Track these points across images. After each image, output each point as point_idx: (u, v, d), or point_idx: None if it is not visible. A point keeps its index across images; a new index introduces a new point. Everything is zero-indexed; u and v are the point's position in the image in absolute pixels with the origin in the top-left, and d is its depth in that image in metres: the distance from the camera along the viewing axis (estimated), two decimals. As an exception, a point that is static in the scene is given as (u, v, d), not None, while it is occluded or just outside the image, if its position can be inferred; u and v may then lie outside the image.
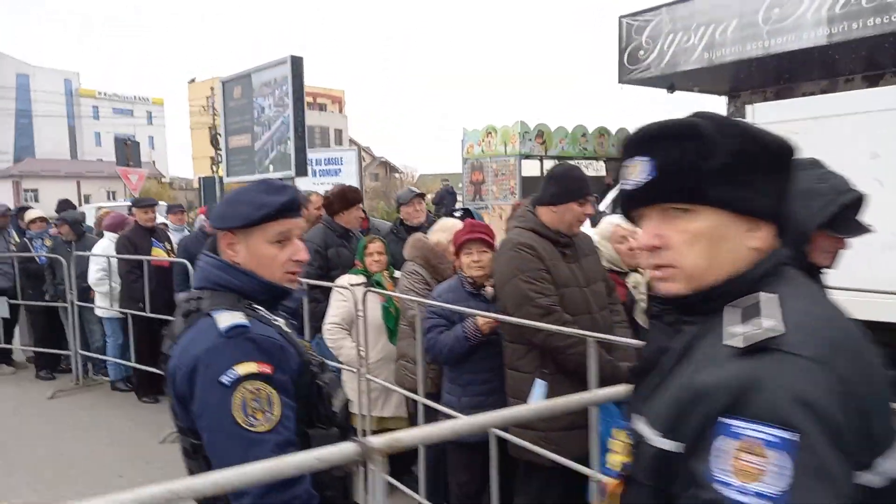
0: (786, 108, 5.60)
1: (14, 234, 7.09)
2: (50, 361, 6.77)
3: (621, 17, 12.59)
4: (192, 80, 36.15)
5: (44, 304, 6.48)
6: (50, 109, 54.92)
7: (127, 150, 13.22)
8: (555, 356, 2.47)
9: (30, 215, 6.62)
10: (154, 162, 52.35)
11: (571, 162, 17.73)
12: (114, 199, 45.10)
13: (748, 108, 5.08)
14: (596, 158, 16.56)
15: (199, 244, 5.22)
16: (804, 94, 12.71)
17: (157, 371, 5.65)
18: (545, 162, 16.55)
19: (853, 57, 9.64)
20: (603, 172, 17.57)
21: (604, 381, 2.38)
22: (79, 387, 6.28)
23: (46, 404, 5.89)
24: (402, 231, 4.38)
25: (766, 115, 4.77)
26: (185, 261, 5.03)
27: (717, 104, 19.21)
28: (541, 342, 2.47)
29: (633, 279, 3.00)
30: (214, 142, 29.41)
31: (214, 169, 30.20)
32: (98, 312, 6.06)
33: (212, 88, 37.78)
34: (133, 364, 5.66)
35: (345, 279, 3.72)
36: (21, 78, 56.07)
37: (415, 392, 3.09)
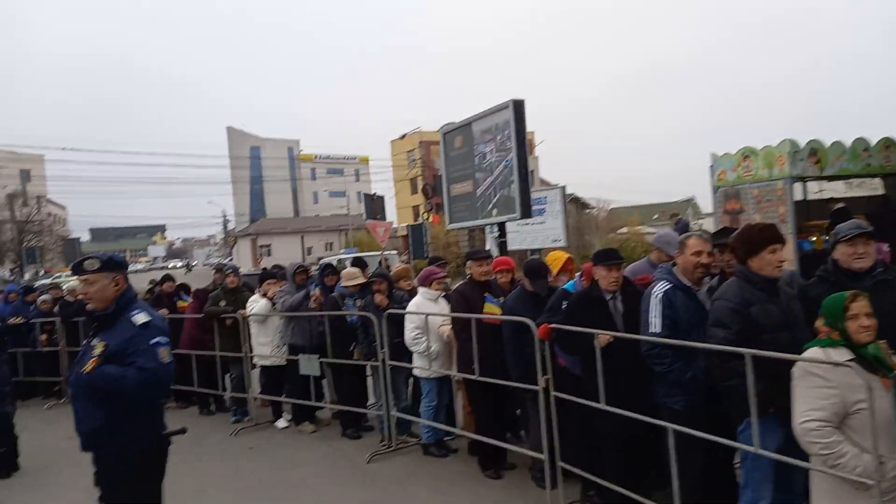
0: None
1: (317, 291, 7.24)
2: (354, 420, 6.71)
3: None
4: (403, 137, 38.36)
5: (353, 362, 6.42)
6: (277, 175, 62.43)
7: (374, 205, 13.81)
8: None
9: (348, 276, 6.58)
10: (363, 214, 57.04)
11: (855, 180, 15.22)
12: (331, 249, 49.69)
13: None
14: (874, 175, 13.95)
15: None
16: None
17: (499, 443, 5.15)
18: (808, 184, 14.36)
19: None
20: (881, 191, 14.83)
21: None
22: (391, 449, 6.05)
23: (367, 469, 5.71)
24: (838, 276, 3.40)
25: None
26: (524, 319, 4.47)
27: None
28: None
29: None
30: (425, 192, 30.68)
31: (425, 217, 31.51)
32: (416, 373, 5.80)
33: (420, 142, 39.93)
34: (462, 433, 5.23)
35: (818, 353, 2.73)
36: (254, 150, 64.91)
37: None
